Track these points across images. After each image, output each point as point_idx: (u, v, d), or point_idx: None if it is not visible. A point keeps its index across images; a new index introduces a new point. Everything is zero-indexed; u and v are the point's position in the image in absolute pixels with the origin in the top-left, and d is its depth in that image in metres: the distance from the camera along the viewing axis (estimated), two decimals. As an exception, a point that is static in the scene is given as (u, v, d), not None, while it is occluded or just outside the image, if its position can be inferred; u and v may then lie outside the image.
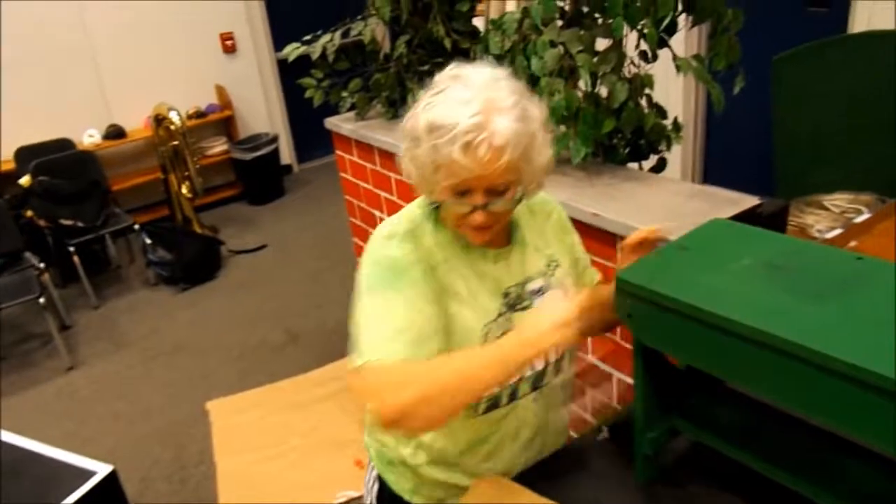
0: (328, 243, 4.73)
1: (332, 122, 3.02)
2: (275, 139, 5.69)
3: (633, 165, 2.00)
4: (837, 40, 2.66)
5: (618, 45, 1.82)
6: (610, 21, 1.76)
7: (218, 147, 5.64)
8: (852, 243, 1.71)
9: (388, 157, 2.65)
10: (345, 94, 2.82)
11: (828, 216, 1.99)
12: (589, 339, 1.89)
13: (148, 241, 4.56)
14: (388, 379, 0.97)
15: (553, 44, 1.82)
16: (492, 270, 1.17)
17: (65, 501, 1.67)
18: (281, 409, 3.10)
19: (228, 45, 5.58)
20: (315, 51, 2.65)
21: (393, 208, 2.71)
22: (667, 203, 1.72)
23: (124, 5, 5.00)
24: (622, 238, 1.68)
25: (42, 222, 4.33)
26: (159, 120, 4.78)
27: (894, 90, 2.28)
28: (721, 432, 1.13)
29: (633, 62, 1.87)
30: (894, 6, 2.87)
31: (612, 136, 1.92)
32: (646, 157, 1.99)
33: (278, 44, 5.69)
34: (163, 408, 3.28)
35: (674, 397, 1.17)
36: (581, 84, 1.85)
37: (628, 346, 1.76)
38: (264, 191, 5.71)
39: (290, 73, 4.47)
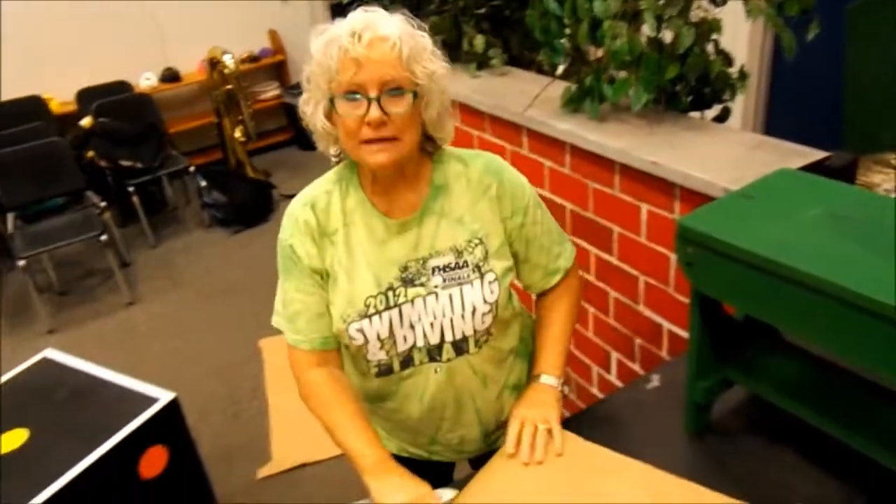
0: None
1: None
2: (327, 84, 5.68)
3: (695, 114, 1.94)
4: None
5: (685, -12, 1.74)
6: (678, -39, 1.68)
7: (270, 91, 5.67)
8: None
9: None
10: (399, 37, 2.78)
11: (896, 175, 1.91)
12: (641, 289, 1.87)
13: (203, 183, 4.66)
14: (302, 377, 1.20)
15: (617, -15, 1.75)
16: (393, 241, 1.14)
17: (130, 424, 1.77)
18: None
19: (282, -11, 5.55)
20: (370, -7, 2.61)
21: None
22: (729, 153, 1.67)
23: (181, -52, 5.01)
24: (681, 188, 1.64)
25: (103, 163, 4.46)
26: (213, 63, 4.82)
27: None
28: (776, 385, 1.12)
29: (700, 6, 1.79)
30: None
31: (675, 82, 1.86)
32: (709, 106, 1.93)
33: (331, -13, 5.64)
34: (217, 345, 3.40)
35: (728, 348, 1.16)
36: (645, 28, 1.78)
37: (680, 297, 1.74)
38: (316, 135, 5.74)
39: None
